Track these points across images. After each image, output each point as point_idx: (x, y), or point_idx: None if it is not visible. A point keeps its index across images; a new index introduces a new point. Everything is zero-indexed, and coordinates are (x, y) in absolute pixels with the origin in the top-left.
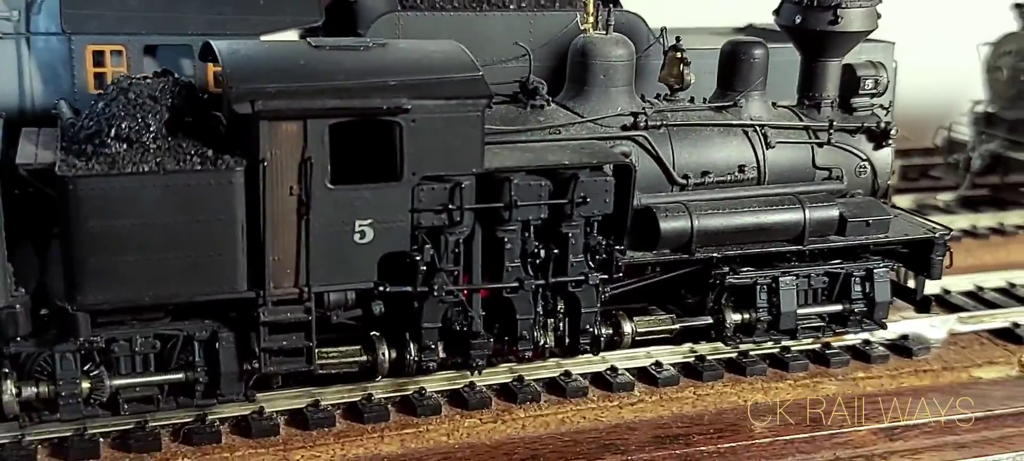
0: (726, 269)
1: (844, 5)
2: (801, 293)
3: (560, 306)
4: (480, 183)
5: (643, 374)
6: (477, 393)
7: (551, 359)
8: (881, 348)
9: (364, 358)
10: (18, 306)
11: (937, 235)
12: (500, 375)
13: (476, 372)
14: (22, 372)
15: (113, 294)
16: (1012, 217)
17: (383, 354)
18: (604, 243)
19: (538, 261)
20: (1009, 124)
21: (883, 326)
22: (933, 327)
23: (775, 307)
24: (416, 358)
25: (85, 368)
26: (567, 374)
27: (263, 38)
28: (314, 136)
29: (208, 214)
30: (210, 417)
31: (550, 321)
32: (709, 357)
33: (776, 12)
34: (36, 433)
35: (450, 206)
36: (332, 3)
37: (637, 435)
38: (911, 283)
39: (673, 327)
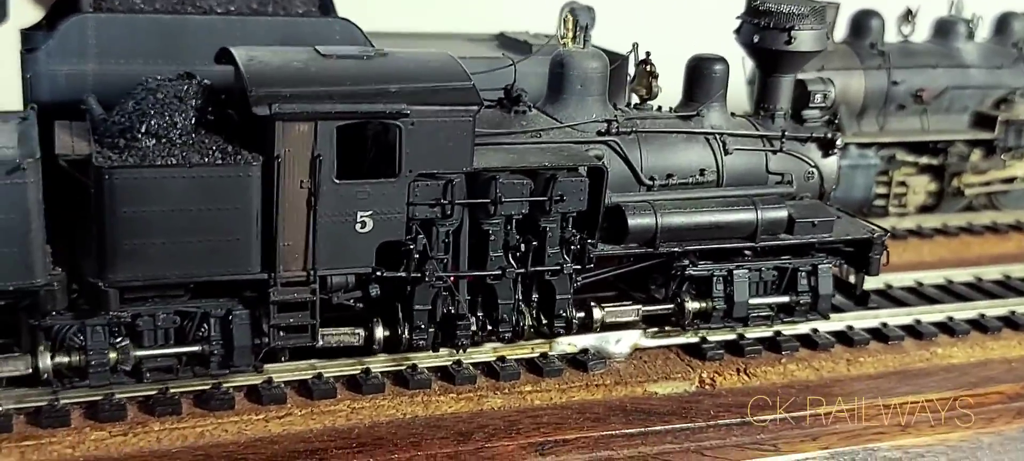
0: (686, 262)
1: (797, 27)
2: (753, 285)
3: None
4: (469, 180)
5: (302, 387)
6: (113, 406)
7: (205, 373)
8: (557, 362)
9: (362, 334)
10: (56, 284)
11: (875, 235)
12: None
13: (461, 351)
14: (56, 343)
15: (141, 273)
16: None
17: (378, 333)
18: (578, 237)
19: (519, 252)
20: None
21: (826, 317)
22: (617, 341)
23: (729, 297)
24: (408, 337)
25: (112, 340)
26: (218, 386)
27: None
28: (323, 136)
29: (227, 203)
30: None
31: (528, 306)
32: (375, 369)
33: (736, 31)
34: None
35: (442, 201)
36: (57, 1)
37: (276, 448)
38: (852, 279)
39: (639, 310)
